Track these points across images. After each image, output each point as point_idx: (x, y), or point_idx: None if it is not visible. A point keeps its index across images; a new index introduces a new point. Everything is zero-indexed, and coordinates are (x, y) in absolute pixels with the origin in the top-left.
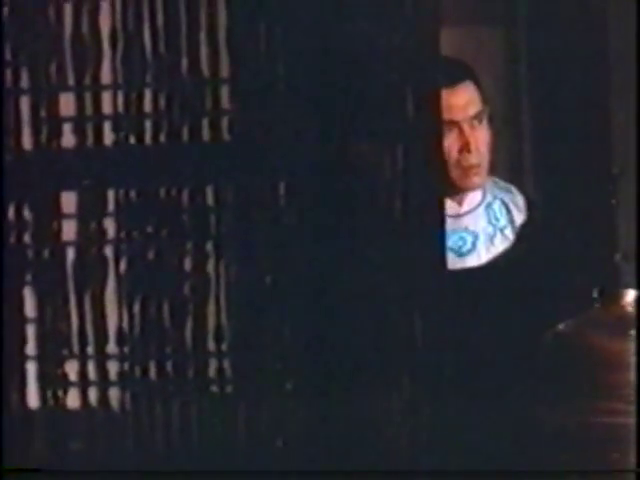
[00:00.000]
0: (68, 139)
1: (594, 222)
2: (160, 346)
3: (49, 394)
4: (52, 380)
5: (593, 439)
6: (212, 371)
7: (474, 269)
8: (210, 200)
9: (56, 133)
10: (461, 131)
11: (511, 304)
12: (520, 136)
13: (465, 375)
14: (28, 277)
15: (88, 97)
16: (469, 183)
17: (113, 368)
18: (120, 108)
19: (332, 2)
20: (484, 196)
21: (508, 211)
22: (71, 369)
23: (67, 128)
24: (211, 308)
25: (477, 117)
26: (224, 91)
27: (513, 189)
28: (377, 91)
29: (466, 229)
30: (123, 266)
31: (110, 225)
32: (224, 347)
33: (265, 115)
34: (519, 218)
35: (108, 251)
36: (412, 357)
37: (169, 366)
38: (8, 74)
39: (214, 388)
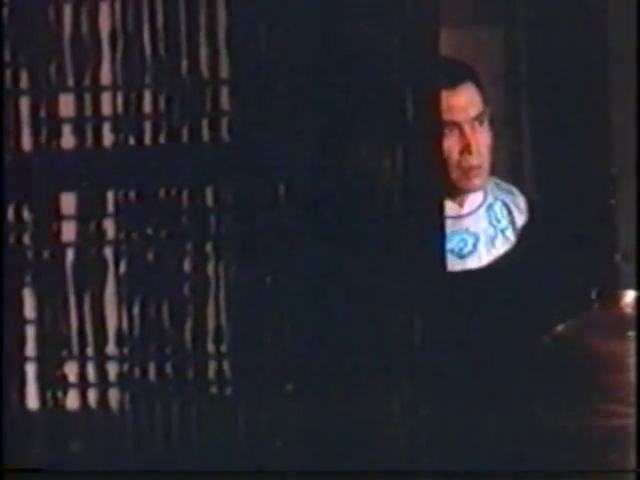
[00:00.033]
0: (68, 140)
1: (594, 222)
2: (160, 347)
3: (49, 395)
4: (52, 381)
5: (593, 440)
6: (212, 372)
7: (475, 271)
8: (210, 201)
9: (56, 134)
10: (462, 132)
11: (511, 305)
12: (520, 136)
13: (465, 376)
14: (28, 278)
15: (88, 98)
16: (470, 184)
17: (113, 369)
18: (120, 109)
19: (332, 2)
20: (485, 197)
21: (509, 212)
22: (71, 370)
23: (67, 129)
24: (211, 309)
25: (478, 118)
26: (224, 92)
27: (514, 190)
28: (377, 91)
29: (467, 231)
30: (123, 267)
31: (110, 226)
32: (224, 348)
33: (265, 116)
34: (520, 219)
35: (108, 252)
36: (412, 358)
37: (169, 367)
38: (8, 75)
39: (214, 389)
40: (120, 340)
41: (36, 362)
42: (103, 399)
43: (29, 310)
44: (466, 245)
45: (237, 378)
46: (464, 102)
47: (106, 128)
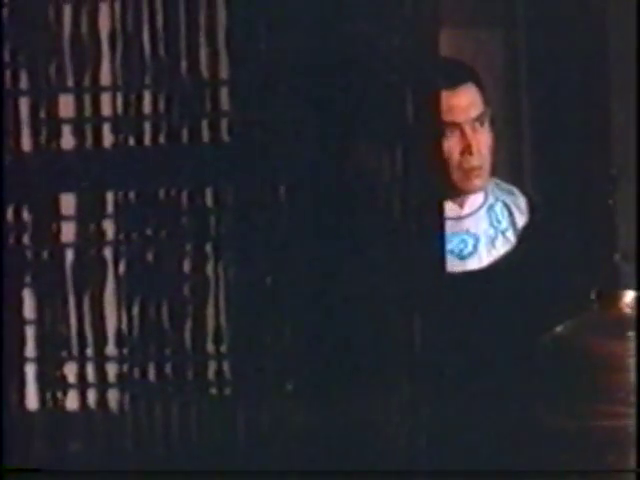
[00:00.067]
0: (67, 140)
1: (594, 222)
2: (159, 348)
3: (48, 395)
4: (51, 381)
5: (593, 440)
6: (211, 373)
7: (475, 272)
8: (209, 201)
9: (55, 134)
10: (463, 133)
11: (511, 306)
12: (520, 137)
13: (465, 377)
14: (27, 279)
15: (87, 98)
16: (470, 185)
17: (112, 370)
18: (119, 109)
19: (332, 2)
20: (486, 198)
21: (510, 213)
22: (70, 371)
23: (66, 129)
24: (210, 310)
25: (479, 119)
26: (223, 92)
27: (515, 191)
28: (377, 91)
29: (467, 232)
30: (122, 268)
31: (109, 227)
32: (223, 349)
33: (265, 116)
34: (521, 220)
35: (107, 253)
36: (412, 359)
37: (168, 368)
38: (8, 75)
39: (213, 390)
40: (120, 340)
41: (36, 362)
42: (103, 399)
43: (29, 310)
44: (466, 246)
45: (237, 378)
46: (465, 103)
47: (106, 128)
